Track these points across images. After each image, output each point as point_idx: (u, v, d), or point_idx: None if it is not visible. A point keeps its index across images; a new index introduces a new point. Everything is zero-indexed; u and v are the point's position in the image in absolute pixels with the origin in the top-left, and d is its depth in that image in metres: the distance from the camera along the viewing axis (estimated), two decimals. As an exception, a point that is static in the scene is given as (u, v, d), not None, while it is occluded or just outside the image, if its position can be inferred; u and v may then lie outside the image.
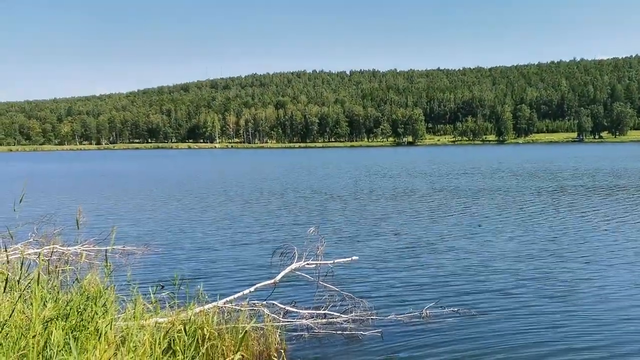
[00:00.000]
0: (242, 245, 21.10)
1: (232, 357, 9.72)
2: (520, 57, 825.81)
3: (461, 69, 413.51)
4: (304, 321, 11.52)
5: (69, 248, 14.60)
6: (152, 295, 10.12)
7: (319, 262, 12.45)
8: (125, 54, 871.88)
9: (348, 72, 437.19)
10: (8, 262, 13.00)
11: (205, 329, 9.52)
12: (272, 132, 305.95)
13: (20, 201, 8.89)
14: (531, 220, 27.02)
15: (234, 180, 59.82)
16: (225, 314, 11.27)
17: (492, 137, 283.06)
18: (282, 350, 10.44)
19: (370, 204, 34.50)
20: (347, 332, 11.34)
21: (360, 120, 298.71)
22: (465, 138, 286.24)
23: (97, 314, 8.20)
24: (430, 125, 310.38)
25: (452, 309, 12.66)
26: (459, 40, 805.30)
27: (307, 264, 12.40)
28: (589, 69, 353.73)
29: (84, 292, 8.60)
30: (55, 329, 7.36)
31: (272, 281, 12.30)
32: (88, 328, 7.91)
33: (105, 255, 9.58)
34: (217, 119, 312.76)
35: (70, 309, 7.99)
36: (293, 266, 12.38)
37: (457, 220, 27.24)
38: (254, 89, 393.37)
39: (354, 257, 12.91)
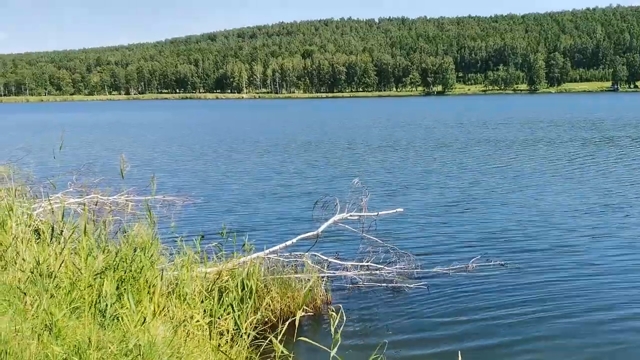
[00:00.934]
0: (281, 197, 21.00)
1: (278, 308, 9.68)
2: (554, 3, 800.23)
3: (493, 16, 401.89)
4: (347, 273, 11.39)
5: (109, 197, 14.57)
6: (198, 246, 10.02)
7: (363, 214, 12.23)
8: (152, 3, 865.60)
9: (377, 20, 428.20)
10: (52, 211, 13.06)
11: (252, 280, 9.41)
12: (299, 82, 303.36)
13: (60, 148, 8.74)
14: (581, 172, 26.28)
15: (267, 130, 59.63)
16: (268, 264, 11.19)
17: (523, 87, 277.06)
18: (328, 302, 10.35)
19: (410, 156, 34.05)
20: (392, 285, 11.19)
21: (388, 69, 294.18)
22: (496, 87, 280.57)
23: (145, 265, 8.13)
24: (460, 74, 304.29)
25: (498, 261, 12.41)
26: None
27: (350, 215, 12.18)
28: (625, 16, 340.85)
29: (132, 242, 8.52)
30: (107, 280, 7.29)
31: (315, 233, 12.15)
32: (138, 280, 7.84)
33: (147, 205, 9.47)
34: (244, 69, 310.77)
35: (120, 260, 7.91)
36: (336, 218, 12.18)
37: (501, 172, 26.69)
38: (281, 38, 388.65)
39: (398, 209, 12.64)
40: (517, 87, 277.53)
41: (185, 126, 72.19)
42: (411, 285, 11.14)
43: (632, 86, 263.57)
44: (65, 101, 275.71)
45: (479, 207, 18.75)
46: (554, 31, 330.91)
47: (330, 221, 12.17)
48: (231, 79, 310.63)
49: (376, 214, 12.43)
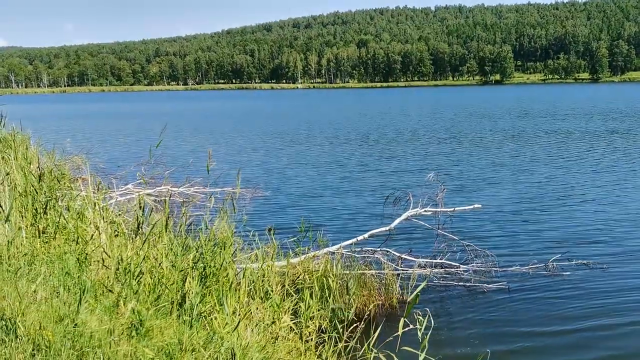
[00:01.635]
0: (347, 191, 20.58)
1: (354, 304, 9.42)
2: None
3: (553, 2, 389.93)
4: (422, 270, 11.04)
5: (178, 188, 14.61)
6: (273, 241, 9.86)
7: (439, 209, 11.83)
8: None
9: (433, 8, 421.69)
10: (127, 202, 13.16)
11: (329, 277, 9.19)
12: (354, 71, 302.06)
13: (157, 146, 8.69)
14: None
15: (328, 121, 59.38)
16: (339, 260, 10.96)
17: (585, 75, 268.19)
18: (404, 301, 10.04)
19: (479, 148, 33.13)
20: (469, 284, 10.79)
21: (445, 58, 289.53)
22: (556, 76, 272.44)
23: (227, 262, 8.00)
24: (519, 62, 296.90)
25: (580, 261, 11.83)
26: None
27: (425, 210, 11.80)
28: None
29: (212, 238, 8.40)
30: (191, 278, 7.18)
31: (387, 228, 11.85)
32: (219, 277, 7.71)
33: (230, 197, 9.35)
34: (299, 58, 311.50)
35: (201, 256, 7.79)
36: (409, 213, 11.84)
37: (577, 166, 25.59)
38: (336, 27, 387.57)
39: (476, 205, 12.15)
40: (578, 76, 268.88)
41: (246, 116, 72.83)
42: (490, 286, 10.70)
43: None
44: (125, 91, 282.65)
45: (556, 203, 17.88)
46: (618, 18, 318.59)
47: (404, 216, 11.83)
48: (286, 69, 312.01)
49: (452, 209, 12.01)
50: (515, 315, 9.57)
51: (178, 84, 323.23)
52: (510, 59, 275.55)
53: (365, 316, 8.76)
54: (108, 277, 7.04)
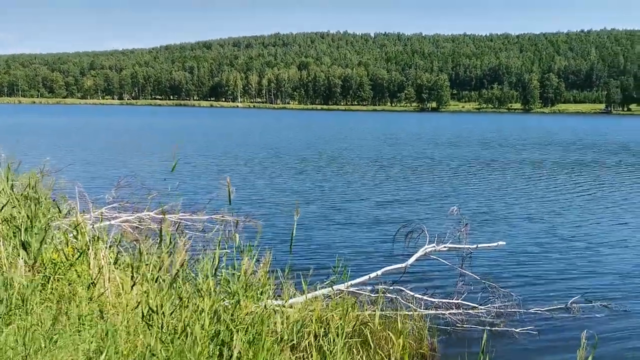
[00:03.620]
0: (354, 224, 18.77)
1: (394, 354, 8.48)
2: (549, 25, 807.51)
3: (488, 34, 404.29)
4: (444, 312, 10.22)
5: (165, 215, 13.26)
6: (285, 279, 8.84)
7: (460, 246, 11.06)
8: (145, 7, 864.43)
9: (372, 35, 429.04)
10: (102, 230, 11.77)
11: (367, 322, 8.20)
12: (295, 93, 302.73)
13: (173, 170, 7.50)
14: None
15: (300, 141, 57.82)
16: (353, 300, 10.01)
17: (517, 106, 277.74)
18: (434, 348, 9.17)
19: (485, 177, 32.62)
20: (494, 329, 10.01)
21: (384, 84, 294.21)
22: (490, 106, 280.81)
23: (266, 310, 6.92)
24: (454, 91, 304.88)
25: (600, 303, 11.28)
26: (486, 5, 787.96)
27: (445, 247, 11.01)
28: (619, 39, 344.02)
29: (240, 280, 7.30)
30: (227, 331, 6.06)
31: (403, 265, 10.99)
32: (259, 328, 6.62)
33: (257, 225, 8.30)
34: (239, 77, 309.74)
35: (236, 303, 6.68)
36: (428, 248, 11.02)
37: (585, 200, 25.22)
38: (277, 49, 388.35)
39: (500, 242, 11.44)
40: (511, 106, 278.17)
41: (207, 134, 70.71)
42: (517, 330, 9.97)
43: (625, 109, 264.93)
44: (58, 104, 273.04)
45: (578, 241, 17.13)
46: (549, 52, 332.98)
47: (421, 252, 11.00)
48: (226, 88, 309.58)
49: (475, 246, 11.25)
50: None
51: (113, 98, 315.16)
52: (446, 87, 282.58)
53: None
54: (132, 325, 5.84)
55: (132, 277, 6.57)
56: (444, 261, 11.13)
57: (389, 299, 10.42)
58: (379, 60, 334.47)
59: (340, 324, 8.02)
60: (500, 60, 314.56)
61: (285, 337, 6.67)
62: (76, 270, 7.03)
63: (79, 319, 5.31)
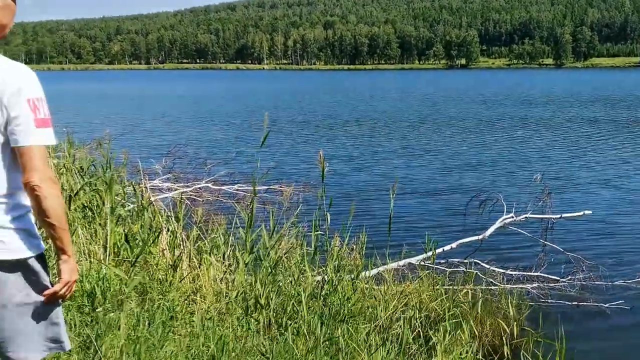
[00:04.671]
0: (421, 192, 17.24)
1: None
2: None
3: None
4: (528, 286, 9.73)
5: (221, 187, 12.94)
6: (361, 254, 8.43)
7: (542, 215, 10.50)
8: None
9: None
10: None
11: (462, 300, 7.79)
12: (321, 53, 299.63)
13: (262, 144, 6.99)
14: None
15: (354, 104, 56.21)
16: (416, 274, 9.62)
17: (549, 61, 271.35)
18: (523, 326, 8.71)
19: (557, 139, 30.19)
20: (584, 304, 9.48)
21: (412, 41, 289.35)
22: (521, 61, 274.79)
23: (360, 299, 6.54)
24: (484, 47, 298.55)
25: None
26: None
27: (527, 217, 10.46)
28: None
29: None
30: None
31: (480, 237, 10.50)
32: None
33: (321, 197, 7.89)
34: (265, 39, 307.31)
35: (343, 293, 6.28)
36: (506, 219, 10.50)
37: None
38: (302, 8, 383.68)
39: (586, 211, 10.83)
40: (542, 61, 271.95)
41: (239, 98, 69.62)
42: (606, 305, 9.44)
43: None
44: (86, 70, 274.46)
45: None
46: (581, 4, 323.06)
47: (499, 222, 10.47)
48: (252, 50, 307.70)
49: (559, 216, 10.65)
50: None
51: (140, 63, 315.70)
52: (476, 44, 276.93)
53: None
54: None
55: (228, 263, 6.21)
56: (524, 232, 10.56)
57: (467, 273, 9.99)
58: (406, 17, 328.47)
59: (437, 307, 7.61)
60: (530, 14, 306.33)
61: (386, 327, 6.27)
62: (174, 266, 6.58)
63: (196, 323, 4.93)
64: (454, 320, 7.32)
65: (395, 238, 11.09)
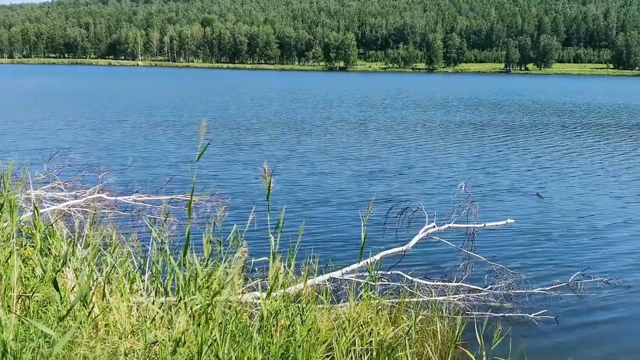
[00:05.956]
0: (334, 202, 16.18)
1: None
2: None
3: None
4: (454, 297, 9.21)
5: (115, 197, 11.47)
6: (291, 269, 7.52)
7: (468, 225, 10.02)
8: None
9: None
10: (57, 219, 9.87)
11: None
12: (199, 50, 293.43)
13: (198, 159, 5.71)
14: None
15: (264, 105, 54.13)
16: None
17: (422, 65, 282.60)
18: (451, 339, 8.12)
19: (467, 143, 30.62)
20: (509, 314, 9.06)
21: (291, 42, 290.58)
22: (396, 65, 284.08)
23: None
24: (361, 50, 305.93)
25: (602, 279, 10.64)
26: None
27: (451, 226, 9.95)
28: (517, 0, 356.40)
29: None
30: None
31: (403, 248, 9.87)
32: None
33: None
34: (139, 34, 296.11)
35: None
36: (428, 229, 9.93)
37: (572, 166, 23.71)
38: (178, 4, 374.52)
39: (509, 220, 10.47)
40: (415, 65, 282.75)
41: (132, 96, 65.77)
42: (531, 316, 9.10)
43: (522, 68, 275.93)
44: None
45: (584, 215, 15.35)
46: (451, 12, 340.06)
47: (422, 233, 9.91)
48: (125, 45, 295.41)
49: (482, 225, 10.23)
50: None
51: (3, 57, 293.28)
52: (353, 47, 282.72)
53: None
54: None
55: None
56: (448, 243, 10.02)
57: (391, 287, 9.33)
58: (285, 18, 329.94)
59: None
60: (405, 19, 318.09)
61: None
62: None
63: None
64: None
65: (307, 252, 10.28)
